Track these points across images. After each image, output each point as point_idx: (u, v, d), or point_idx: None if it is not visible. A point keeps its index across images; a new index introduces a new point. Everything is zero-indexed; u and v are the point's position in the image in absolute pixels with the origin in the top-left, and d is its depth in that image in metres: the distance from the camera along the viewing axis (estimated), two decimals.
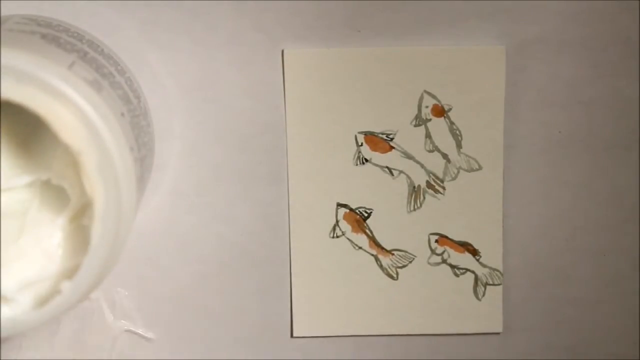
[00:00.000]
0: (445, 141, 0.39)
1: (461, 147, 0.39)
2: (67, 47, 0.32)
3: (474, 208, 0.39)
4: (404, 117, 0.38)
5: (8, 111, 0.30)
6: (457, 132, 0.39)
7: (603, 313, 0.40)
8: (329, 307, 0.39)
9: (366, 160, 0.39)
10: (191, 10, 0.37)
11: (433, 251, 0.39)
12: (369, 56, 0.38)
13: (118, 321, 0.39)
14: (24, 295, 0.31)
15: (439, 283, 0.40)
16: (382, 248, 0.39)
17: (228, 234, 0.39)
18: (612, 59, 0.38)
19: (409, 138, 0.39)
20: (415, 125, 0.39)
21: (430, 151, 0.39)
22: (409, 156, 0.39)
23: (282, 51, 0.38)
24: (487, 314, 0.40)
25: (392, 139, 0.39)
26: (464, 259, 0.39)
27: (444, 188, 0.39)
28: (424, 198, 0.39)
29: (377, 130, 0.38)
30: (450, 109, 0.38)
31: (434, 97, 0.38)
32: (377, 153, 0.39)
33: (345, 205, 0.39)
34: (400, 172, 0.39)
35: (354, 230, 0.39)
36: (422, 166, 0.39)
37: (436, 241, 0.39)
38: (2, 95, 0.28)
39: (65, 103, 0.29)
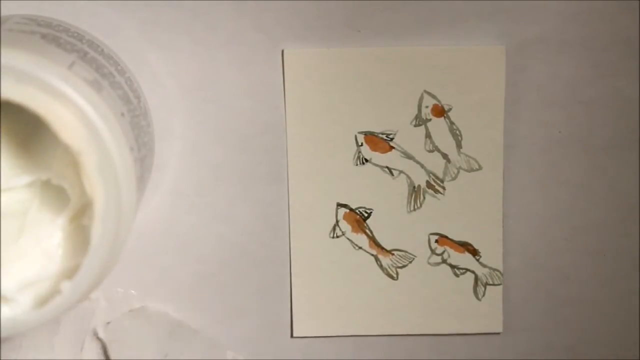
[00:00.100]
0: (445, 141, 0.39)
1: (461, 147, 0.39)
2: (67, 47, 0.32)
3: (474, 208, 0.39)
4: (404, 117, 0.38)
5: (8, 111, 0.30)
6: (457, 132, 0.39)
7: (603, 313, 0.40)
8: (329, 307, 0.39)
9: (366, 160, 0.39)
10: (191, 10, 0.37)
11: (433, 251, 0.39)
12: (369, 56, 0.38)
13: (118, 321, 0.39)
14: (24, 295, 0.31)
15: (439, 283, 0.40)
16: (382, 248, 0.39)
17: (228, 234, 0.39)
18: (612, 59, 0.38)
19: (409, 138, 0.39)
20: (415, 125, 0.39)
21: (430, 151, 0.39)
22: (409, 156, 0.39)
23: (282, 51, 0.38)
24: (487, 314, 0.40)
25: (392, 139, 0.39)
26: (464, 259, 0.39)
27: (444, 188, 0.39)
28: (424, 198, 0.39)
29: (377, 130, 0.38)
30: (450, 109, 0.38)
31: (434, 97, 0.38)
32: (377, 153, 0.39)
33: (345, 205, 0.39)
34: (400, 172, 0.39)
35: (354, 230, 0.39)
36: (422, 166, 0.39)
37: (436, 241, 0.39)
38: (2, 95, 0.28)
39: (65, 103, 0.29)
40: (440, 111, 0.38)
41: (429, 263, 0.39)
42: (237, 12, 0.37)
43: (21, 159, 0.32)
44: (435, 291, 0.40)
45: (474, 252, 0.39)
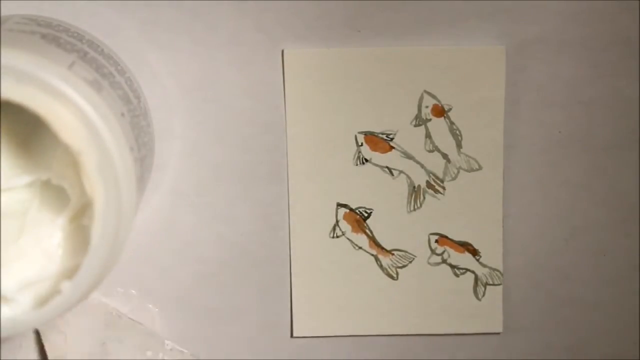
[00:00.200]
0: (445, 141, 0.39)
1: (461, 147, 0.39)
2: (67, 47, 0.32)
3: (474, 208, 0.39)
4: (404, 117, 0.38)
5: (8, 111, 0.30)
6: (457, 132, 0.39)
7: (603, 313, 0.40)
8: (329, 307, 0.39)
9: (366, 160, 0.39)
10: (191, 10, 0.37)
11: (433, 251, 0.39)
12: (369, 56, 0.38)
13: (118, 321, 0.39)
14: (24, 295, 0.31)
15: (439, 283, 0.40)
16: (382, 248, 0.39)
17: (228, 234, 0.39)
18: (612, 59, 0.38)
19: (409, 138, 0.39)
20: (415, 125, 0.39)
21: (430, 151, 0.39)
22: (409, 156, 0.39)
23: (282, 51, 0.38)
24: (487, 314, 0.40)
25: (392, 139, 0.39)
26: (464, 259, 0.39)
27: (444, 188, 0.39)
28: (424, 198, 0.39)
29: (377, 130, 0.38)
30: (450, 109, 0.38)
31: (434, 97, 0.38)
32: (377, 153, 0.39)
33: (345, 205, 0.39)
34: (400, 172, 0.39)
35: (354, 230, 0.39)
36: (422, 166, 0.39)
37: (436, 241, 0.39)
38: (2, 95, 0.28)
39: (65, 103, 0.29)
40: (440, 111, 0.38)
41: (429, 263, 0.39)
42: (237, 12, 0.37)
43: (21, 159, 0.32)
44: (435, 291, 0.40)
45: (474, 252, 0.39)
